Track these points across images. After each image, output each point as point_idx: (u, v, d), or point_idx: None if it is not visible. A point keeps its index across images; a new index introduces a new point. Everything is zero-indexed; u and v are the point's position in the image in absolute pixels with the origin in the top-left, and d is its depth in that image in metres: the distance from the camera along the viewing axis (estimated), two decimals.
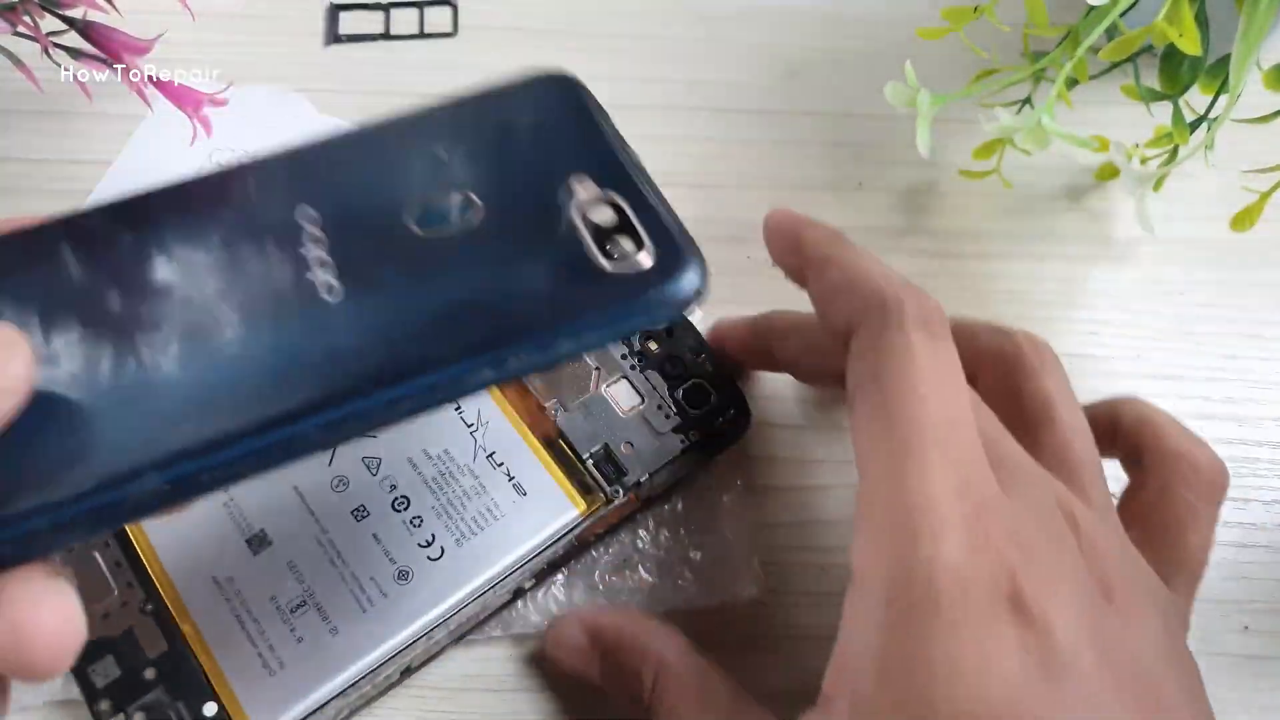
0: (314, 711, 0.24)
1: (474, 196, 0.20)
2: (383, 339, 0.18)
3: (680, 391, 0.29)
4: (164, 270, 0.19)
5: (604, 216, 0.19)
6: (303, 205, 0.19)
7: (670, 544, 0.28)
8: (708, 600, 0.27)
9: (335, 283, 0.18)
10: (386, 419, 0.18)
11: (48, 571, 0.16)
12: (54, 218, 0.20)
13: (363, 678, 0.24)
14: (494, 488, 0.27)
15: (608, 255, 0.19)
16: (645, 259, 0.19)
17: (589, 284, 0.19)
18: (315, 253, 0.19)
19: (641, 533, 0.28)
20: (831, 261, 0.23)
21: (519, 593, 0.27)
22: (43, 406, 0.17)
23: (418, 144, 0.21)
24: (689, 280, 0.19)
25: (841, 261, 0.23)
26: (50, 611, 0.15)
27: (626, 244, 0.19)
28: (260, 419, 0.17)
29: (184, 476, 0.17)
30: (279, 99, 0.37)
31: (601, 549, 0.28)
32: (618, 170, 0.20)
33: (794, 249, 0.25)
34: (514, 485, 0.27)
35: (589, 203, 0.20)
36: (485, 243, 0.19)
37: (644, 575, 0.28)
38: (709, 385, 0.29)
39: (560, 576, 0.27)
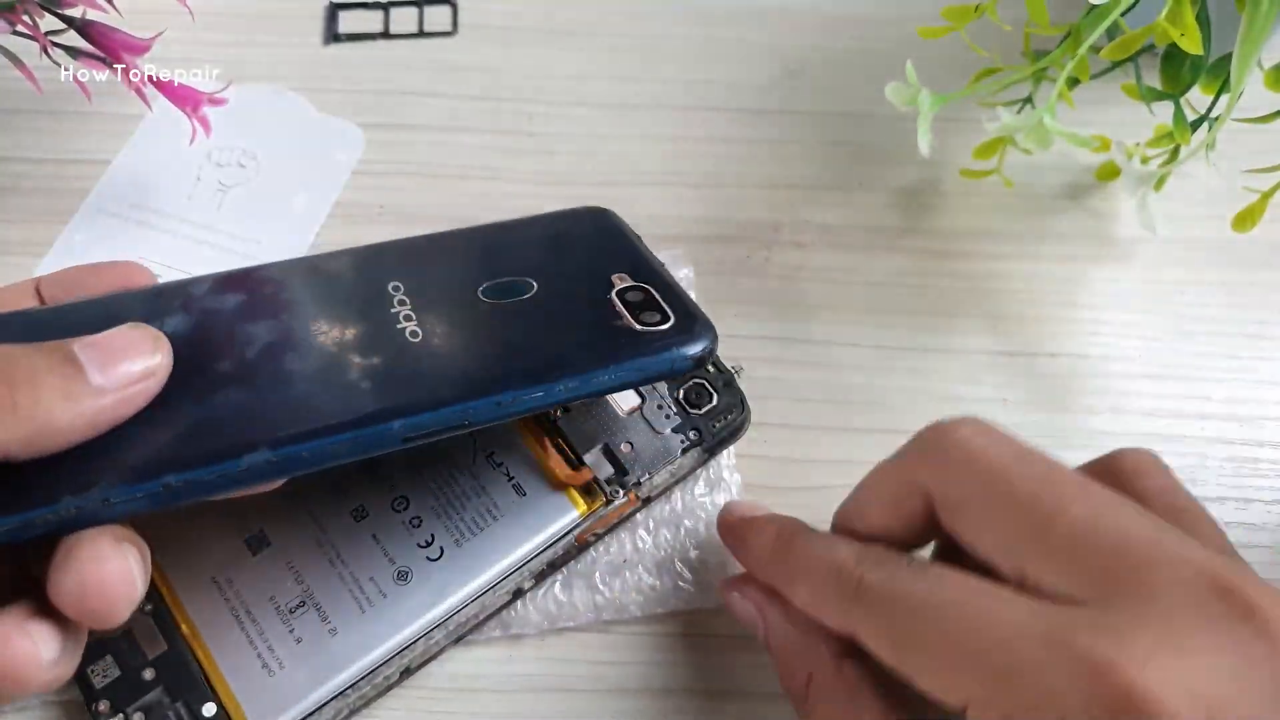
0: (313, 712, 0.24)
1: (533, 281, 0.25)
2: (457, 368, 0.23)
3: (680, 392, 0.29)
4: (289, 309, 0.23)
5: (636, 297, 0.25)
6: (395, 281, 0.25)
7: (670, 544, 0.28)
8: (706, 602, 0.27)
9: (417, 329, 0.23)
10: (453, 426, 0.22)
11: (116, 535, 0.19)
12: (232, 272, 0.25)
13: (362, 678, 0.24)
14: (493, 488, 0.27)
15: (640, 321, 0.24)
16: (667, 325, 0.24)
17: (623, 339, 0.24)
18: (403, 311, 0.24)
19: (641, 533, 0.28)
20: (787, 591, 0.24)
21: (518, 593, 0.27)
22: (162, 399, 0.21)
23: (488, 244, 0.27)
24: (701, 341, 0.24)
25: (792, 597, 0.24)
26: (113, 570, 0.18)
27: (653, 315, 0.25)
28: (353, 415, 0.21)
29: (290, 454, 0.21)
30: (278, 98, 0.37)
31: (601, 549, 0.28)
32: (647, 270, 0.26)
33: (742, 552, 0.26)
34: (513, 486, 0.27)
35: (625, 289, 0.25)
36: (541, 310, 0.24)
37: (643, 576, 0.28)
38: (709, 386, 0.29)
39: (559, 576, 0.27)
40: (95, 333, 0.20)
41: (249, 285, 0.24)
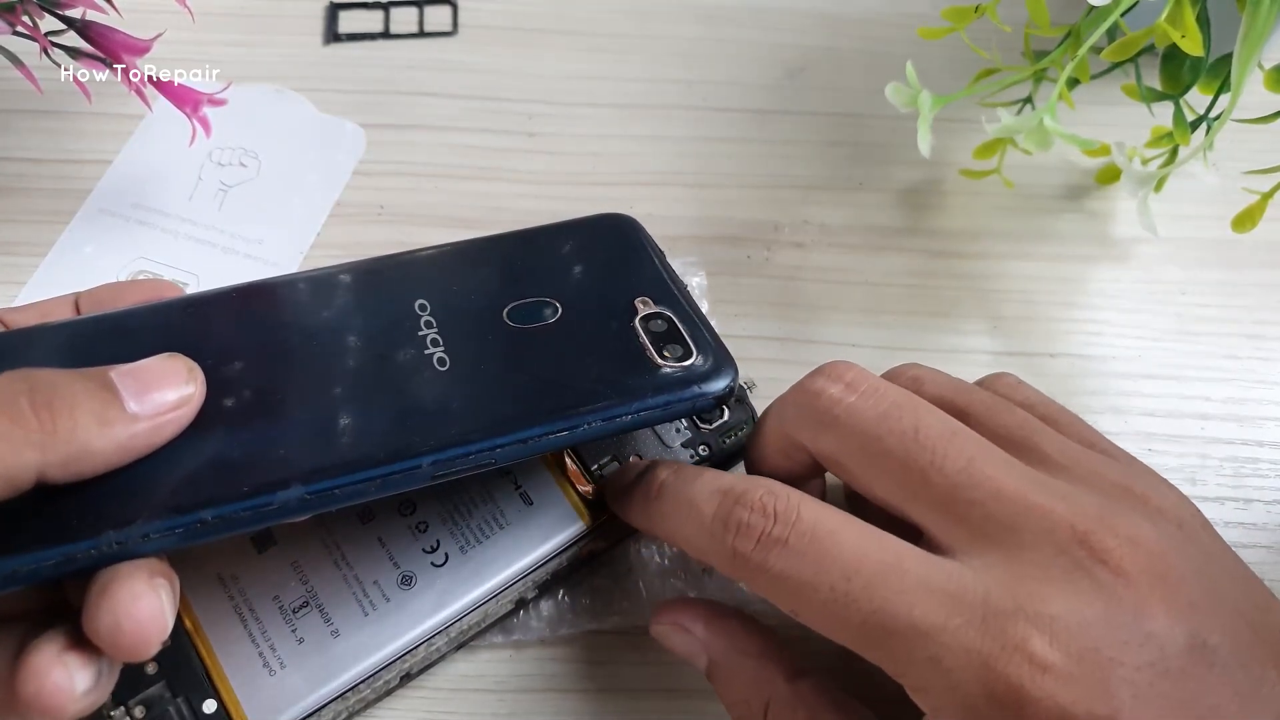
0: (312, 713, 0.24)
1: (557, 305, 0.25)
2: (485, 404, 0.23)
3: None
4: (320, 334, 0.24)
5: (659, 326, 0.25)
6: (421, 299, 0.25)
7: (673, 553, 0.28)
8: None
9: (445, 355, 0.23)
10: (482, 464, 0.22)
11: (151, 570, 0.19)
12: (246, 284, 0.25)
13: (362, 682, 0.24)
14: (501, 496, 0.27)
15: (663, 356, 0.24)
16: (689, 360, 0.24)
17: (648, 377, 0.24)
18: (430, 334, 0.24)
19: (645, 542, 0.28)
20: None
21: (521, 603, 0.27)
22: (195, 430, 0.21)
23: (512, 257, 0.26)
24: (724, 379, 0.24)
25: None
26: (146, 608, 0.19)
27: (676, 349, 0.24)
28: (385, 453, 0.21)
29: (322, 490, 0.21)
30: (279, 98, 0.37)
31: (605, 557, 0.28)
32: (669, 295, 0.26)
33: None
34: (521, 494, 0.27)
35: (648, 316, 0.25)
36: (566, 338, 0.24)
37: (643, 587, 0.27)
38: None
39: (567, 583, 0.27)
40: (129, 347, 0.21)
41: (277, 304, 0.24)
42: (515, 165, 0.36)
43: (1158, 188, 0.34)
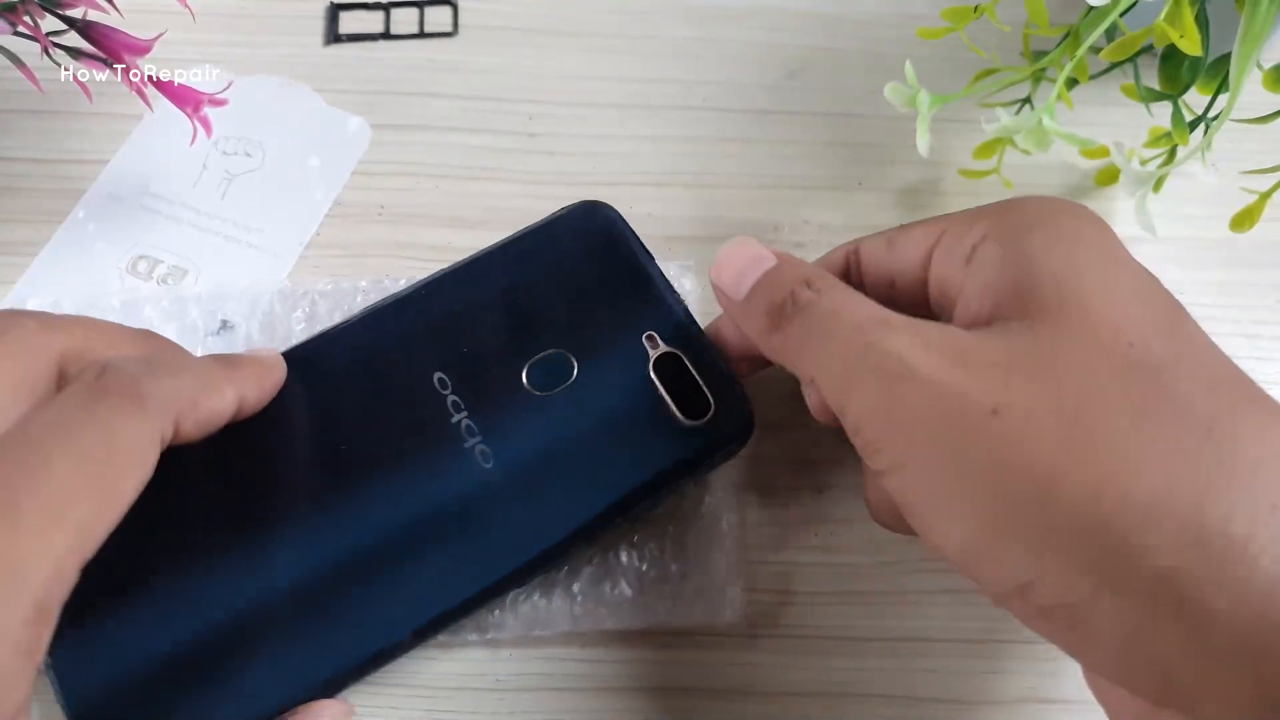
0: None
1: (571, 359, 0.26)
2: (535, 507, 0.25)
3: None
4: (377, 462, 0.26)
5: (672, 370, 0.26)
6: (439, 372, 0.26)
7: (655, 558, 0.28)
8: (686, 621, 0.27)
9: (485, 447, 0.25)
10: (538, 568, 0.25)
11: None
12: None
13: None
14: None
15: (686, 413, 0.25)
16: (709, 413, 0.26)
17: (676, 442, 0.25)
18: (463, 420, 0.25)
19: (625, 547, 0.28)
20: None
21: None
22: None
23: (506, 287, 0.27)
24: (745, 426, 0.26)
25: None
26: None
27: (694, 402, 0.26)
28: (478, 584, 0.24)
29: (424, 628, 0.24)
30: (288, 90, 0.37)
31: (584, 560, 0.27)
32: (674, 324, 0.27)
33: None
34: None
35: (660, 359, 0.26)
36: (588, 404, 0.26)
37: (625, 589, 0.27)
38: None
39: (542, 586, 0.27)
40: None
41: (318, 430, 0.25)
42: (515, 165, 0.36)
43: (1156, 188, 0.34)
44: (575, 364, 0.26)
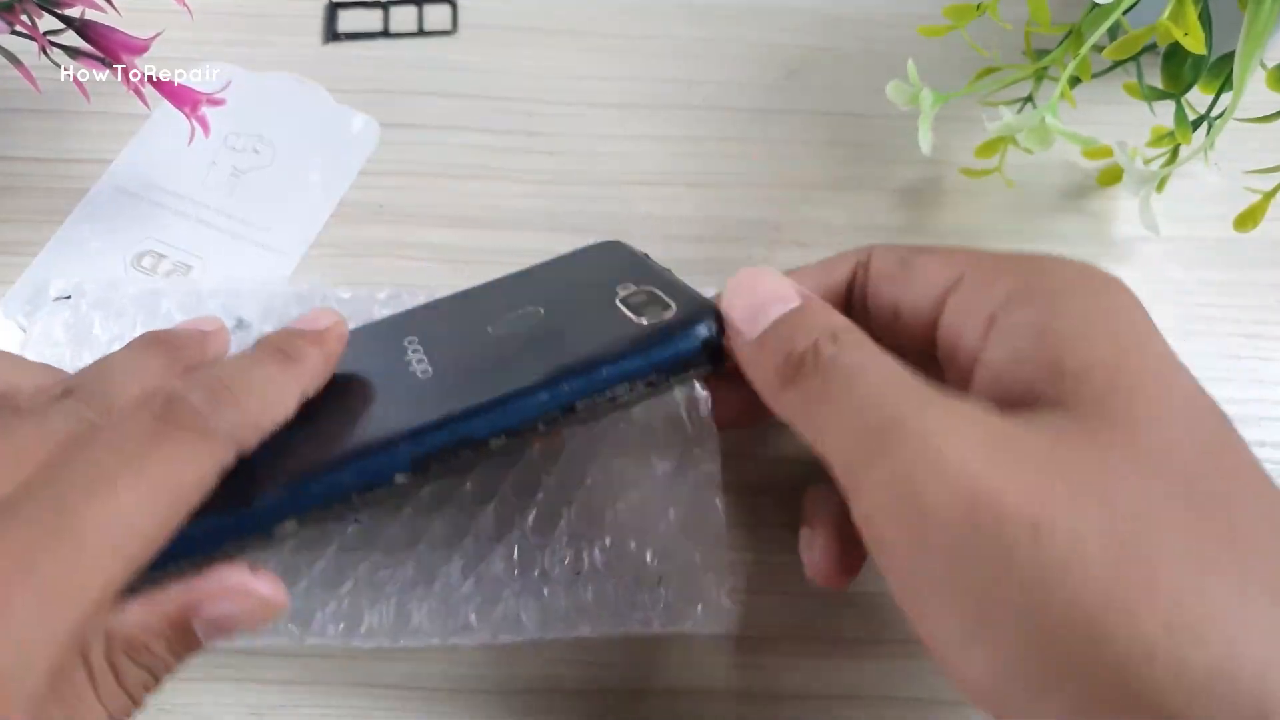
0: None
1: (540, 309, 0.26)
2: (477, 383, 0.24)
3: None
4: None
5: (639, 299, 0.25)
6: (411, 336, 0.27)
7: (634, 559, 0.27)
8: (667, 626, 0.26)
9: (429, 367, 0.25)
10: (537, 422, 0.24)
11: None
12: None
13: None
14: None
15: (644, 318, 0.25)
16: (668, 314, 0.24)
17: (628, 334, 0.24)
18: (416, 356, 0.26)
19: (597, 549, 0.27)
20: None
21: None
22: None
23: (500, 295, 0.28)
24: (705, 325, 0.24)
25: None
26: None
27: (655, 309, 0.25)
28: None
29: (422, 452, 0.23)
30: (298, 86, 0.37)
31: (557, 560, 0.27)
32: (648, 271, 0.27)
33: None
34: None
35: (628, 295, 0.26)
36: (551, 328, 0.26)
37: (606, 590, 0.26)
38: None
39: (512, 588, 0.26)
40: None
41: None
42: (514, 165, 0.36)
43: (1159, 187, 0.34)
44: (543, 311, 0.26)
